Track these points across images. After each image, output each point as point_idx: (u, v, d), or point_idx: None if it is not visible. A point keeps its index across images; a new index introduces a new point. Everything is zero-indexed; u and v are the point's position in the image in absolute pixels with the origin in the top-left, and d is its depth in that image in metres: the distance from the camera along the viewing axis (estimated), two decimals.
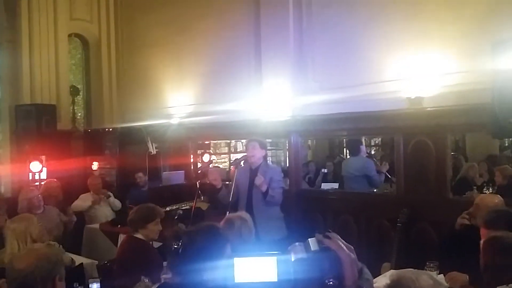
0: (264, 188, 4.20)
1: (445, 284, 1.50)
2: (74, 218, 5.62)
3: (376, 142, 10.78)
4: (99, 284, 2.70)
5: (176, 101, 7.28)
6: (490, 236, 2.21)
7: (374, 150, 10.28)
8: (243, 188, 4.40)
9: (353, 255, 0.81)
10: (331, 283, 0.77)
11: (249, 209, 4.18)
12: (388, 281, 1.28)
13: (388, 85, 4.74)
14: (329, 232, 0.87)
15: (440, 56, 4.45)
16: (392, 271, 3.14)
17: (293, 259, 0.82)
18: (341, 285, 0.77)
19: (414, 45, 4.65)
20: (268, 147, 6.85)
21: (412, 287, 1.36)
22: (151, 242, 3.64)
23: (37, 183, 6.58)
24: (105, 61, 8.59)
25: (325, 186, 6.71)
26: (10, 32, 7.69)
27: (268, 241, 3.95)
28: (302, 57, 5.69)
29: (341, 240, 0.86)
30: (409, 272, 1.30)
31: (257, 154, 4.45)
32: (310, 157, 9.52)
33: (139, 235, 3.48)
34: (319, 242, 0.84)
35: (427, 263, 2.98)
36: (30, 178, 6.70)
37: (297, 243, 0.86)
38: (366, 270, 0.82)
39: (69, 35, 8.37)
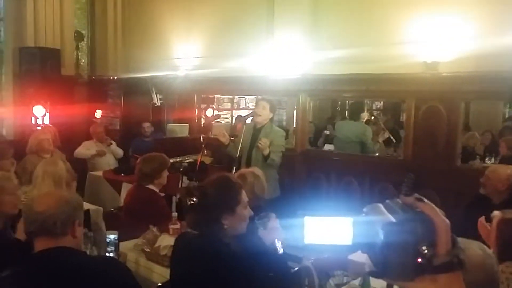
0: (266, 152, 4.19)
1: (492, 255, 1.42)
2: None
3: (378, 106, 10.69)
4: (116, 236, 2.66)
5: (183, 52, 7.11)
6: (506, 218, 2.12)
7: (376, 115, 10.20)
8: (245, 146, 4.40)
9: (448, 221, 0.73)
10: (426, 251, 0.70)
11: (248, 167, 4.17)
12: None
13: (404, 47, 4.62)
14: (418, 195, 0.78)
15: (459, 19, 4.32)
16: None
17: (375, 222, 0.74)
18: (434, 254, 0.70)
19: (433, 6, 4.50)
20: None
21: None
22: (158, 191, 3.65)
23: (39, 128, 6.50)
24: (110, 6, 8.26)
25: (327, 147, 6.70)
26: None
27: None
28: (316, 14, 5.52)
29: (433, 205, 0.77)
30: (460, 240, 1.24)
31: (265, 114, 4.41)
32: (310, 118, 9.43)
33: (150, 186, 3.48)
34: (407, 205, 0.76)
35: None
36: (33, 122, 6.64)
37: (375, 204, 0.78)
38: (458, 239, 0.75)
39: None
